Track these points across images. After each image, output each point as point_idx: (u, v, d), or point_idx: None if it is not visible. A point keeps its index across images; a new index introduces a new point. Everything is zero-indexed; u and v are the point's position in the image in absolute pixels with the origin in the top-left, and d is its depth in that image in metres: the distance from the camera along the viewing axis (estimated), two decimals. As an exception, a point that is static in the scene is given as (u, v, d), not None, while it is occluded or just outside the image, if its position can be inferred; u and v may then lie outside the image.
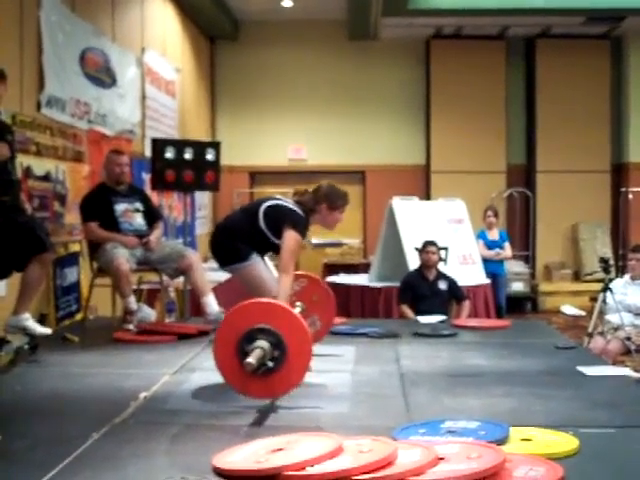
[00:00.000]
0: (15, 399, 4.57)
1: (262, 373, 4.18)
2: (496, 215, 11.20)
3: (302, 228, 5.21)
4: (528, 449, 3.39)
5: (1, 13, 6.61)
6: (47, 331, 5.78)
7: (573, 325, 11.76)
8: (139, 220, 7.11)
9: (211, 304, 6.77)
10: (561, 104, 14.36)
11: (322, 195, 5.35)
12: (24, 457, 3.53)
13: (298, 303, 5.54)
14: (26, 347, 5.59)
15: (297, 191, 5.43)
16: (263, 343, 4.18)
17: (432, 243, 8.54)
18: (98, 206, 6.95)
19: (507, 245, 11.08)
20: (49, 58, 7.37)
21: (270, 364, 4.19)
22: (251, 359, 4.07)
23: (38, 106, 7.15)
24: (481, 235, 10.98)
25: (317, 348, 5.88)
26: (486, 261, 10.59)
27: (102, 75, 8.70)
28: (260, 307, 4.41)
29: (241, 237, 5.24)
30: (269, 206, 5.30)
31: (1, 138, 5.37)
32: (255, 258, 5.21)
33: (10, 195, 5.46)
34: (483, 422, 3.74)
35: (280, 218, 5.20)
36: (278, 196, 5.48)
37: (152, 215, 7.29)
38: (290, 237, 5.10)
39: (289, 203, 5.33)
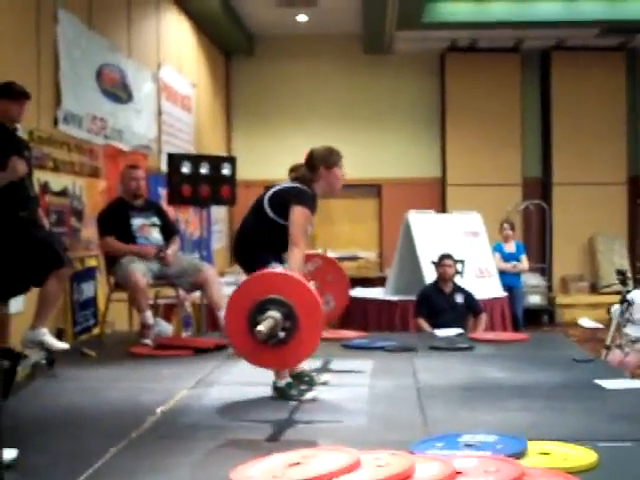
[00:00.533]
0: (33, 414, 4.59)
1: (273, 344, 4.17)
2: (512, 228, 11.18)
3: (308, 201, 5.04)
4: (546, 463, 3.37)
5: (18, 29, 6.66)
6: (64, 346, 5.79)
7: (591, 338, 11.68)
8: (155, 235, 7.13)
9: None
10: (577, 116, 14.34)
11: (315, 159, 5.19)
12: (43, 472, 3.55)
13: (312, 282, 5.56)
14: (43, 362, 5.62)
15: (292, 168, 5.33)
16: (274, 313, 4.17)
17: (448, 256, 8.53)
18: (115, 220, 6.98)
19: (524, 257, 11.05)
20: (66, 74, 7.41)
21: (281, 334, 4.18)
22: (262, 327, 4.07)
23: (55, 122, 7.19)
24: (497, 248, 10.96)
25: (334, 362, 5.91)
26: (503, 274, 10.56)
27: (118, 91, 8.75)
28: (273, 278, 4.40)
29: (257, 241, 5.10)
30: (272, 193, 5.14)
31: (19, 154, 5.42)
32: (273, 265, 5.11)
33: (28, 210, 5.50)
34: (501, 436, 3.73)
35: (285, 198, 5.03)
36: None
37: (168, 230, 7.31)
38: (297, 212, 4.93)
39: (289, 183, 5.20)
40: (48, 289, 5.57)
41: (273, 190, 5.15)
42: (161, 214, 7.34)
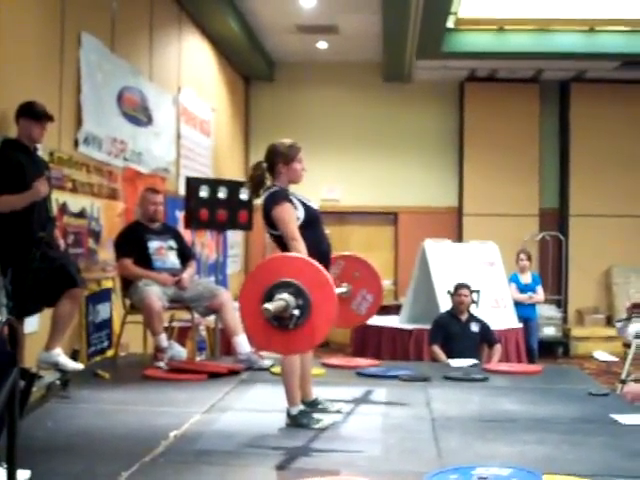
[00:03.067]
0: (46, 435, 4.58)
1: (290, 326, 4.15)
2: (529, 258, 11.14)
3: (282, 197, 5.01)
4: (561, 498, 3.35)
5: (43, 52, 6.72)
6: (79, 367, 5.79)
7: (606, 371, 11.62)
8: (172, 258, 7.15)
9: (242, 344, 6.77)
10: (595, 148, 14.32)
11: (272, 157, 5.13)
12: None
13: (343, 284, 5.54)
14: (57, 382, 5.61)
15: (251, 175, 5.18)
16: (286, 295, 4.16)
17: (465, 286, 8.51)
18: (132, 243, 7.01)
19: (539, 289, 11.01)
20: (87, 97, 7.46)
21: (296, 312, 4.16)
22: (269, 305, 4.06)
23: (75, 144, 7.23)
24: (513, 278, 10.92)
25: (347, 390, 5.88)
26: (518, 305, 10.52)
27: (139, 114, 8.80)
28: (285, 262, 4.40)
29: None
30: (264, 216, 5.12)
31: (39, 174, 5.46)
32: None
33: (46, 231, 5.52)
34: (515, 469, 3.70)
35: (267, 213, 5.01)
36: None
37: (185, 254, 7.33)
38: (277, 212, 4.92)
39: (263, 195, 5.14)
40: (61, 309, 5.58)
41: (264, 213, 5.13)
42: (178, 238, 7.36)
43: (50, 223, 5.65)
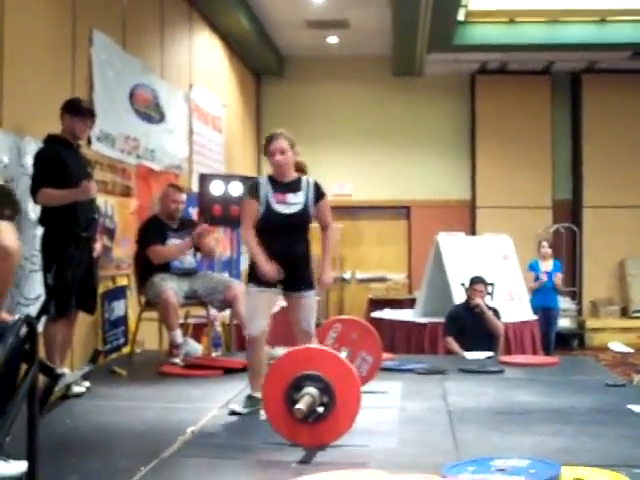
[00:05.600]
0: (65, 432, 4.61)
1: (311, 420, 4.18)
2: (551, 246, 11.19)
3: (247, 191, 5.37)
4: (580, 489, 3.34)
5: (54, 50, 6.73)
6: (82, 389, 5.66)
7: (621, 362, 11.59)
8: (189, 258, 7.20)
9: None
10: (608, 138, 14.25)
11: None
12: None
13: (343, 348, 5.55)
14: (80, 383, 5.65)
15: None
16: (312, 390, 4.19)
17: (480, 280, 8.49)
18: (156, 234, 7.04)
19: (558, 275, 11.04)
20: (100, 94, 7.47)
21: (320, 409, 4.19)
22: (301, 405, 4.08)
23: (89, 141, 7.24)
24: (533, 265, 10.96)
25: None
26: (539, 293, 10.59)
27: (151, 111, 8.81)
28: (308, 354, 4.43)
29: None
30: None
31: (83, 171, 5.51)
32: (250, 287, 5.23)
33: (89, 232, 5.53)
34: (534, 460, 3.69)
35: None
36: None
37: None
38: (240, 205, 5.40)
39: None
40: (63, 335, 5.57)
41: None
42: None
43: (93, 224, 5.67)
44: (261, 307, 5.15)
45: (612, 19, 12.34)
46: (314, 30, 12.79)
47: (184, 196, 7.41)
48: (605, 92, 14.27)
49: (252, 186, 5.26)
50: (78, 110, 5.63)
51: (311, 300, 5.27)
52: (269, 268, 5.04)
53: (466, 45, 12.66)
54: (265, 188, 5.17)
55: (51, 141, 5.57)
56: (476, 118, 14.62)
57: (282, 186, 5.19)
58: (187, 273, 7.10)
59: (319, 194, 5.26)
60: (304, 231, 5.26)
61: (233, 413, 4.96)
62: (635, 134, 14.25)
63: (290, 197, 5.16)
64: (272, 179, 5.23)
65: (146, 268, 7.05)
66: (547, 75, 14.53)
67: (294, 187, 5.21)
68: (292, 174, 5.26)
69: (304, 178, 5.30)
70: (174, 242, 7.12)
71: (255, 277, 5.13)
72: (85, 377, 5.70)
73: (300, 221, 5.20)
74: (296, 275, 5.18)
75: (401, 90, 14.59)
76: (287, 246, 5.14)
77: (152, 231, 7.11)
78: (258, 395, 4.88)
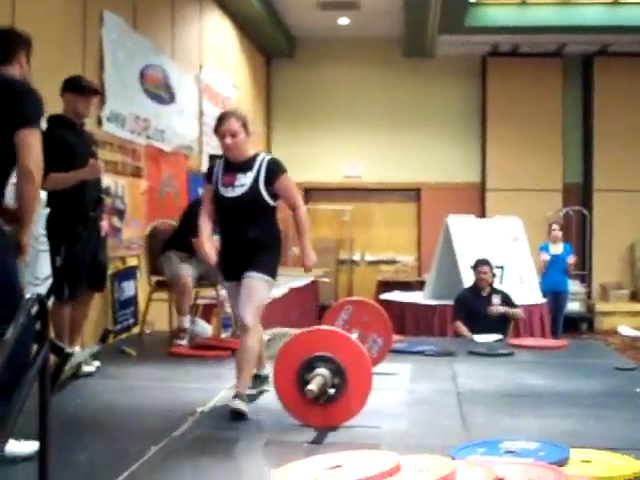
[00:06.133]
0: (75, 411, 4.63)
1: (322, 401, 4.20)
2: (562, 229, 11.18)
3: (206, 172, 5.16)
4: (589, 471, 3.35)
5: (65, 31, 6.73)
6: (92, 369, 5.71)
7: (630, 346, 11.59)
8: None
9: None
10: (619, 122, 14.18)
11: None
12: (84, 469, 3.58)
13: (354, 330, 5.55)
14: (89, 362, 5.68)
15: None
16: (323, 371, 4.20)
17: (485, 262, 8.47)
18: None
19: (571, 257, 11.05)
20: (110, 75, 7.47)
21: (331, 391, 4.20)
22: (312, 386, 4.09)
23: (99, 122, 7.25)
24: (544, 248, 10.96)
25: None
26: (549, 276, 10.59)
27: (161, 91, 8.80)
28: (320, 335, 4.44)
29: None
30: None
31: (87, 149, 5.47)
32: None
33: (96, 212, 5.52)
34: (543, 443, 3.70)
35: None
36: None
37: None
38: None
39: None
40: (78, 314, 5.56)
41: None
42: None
43: (101, 203, 5.64)
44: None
45: (625, 1, 12.27)
46: (325, 11, 12.75)
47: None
48: (617, 75, 14.19)
49: (208, 168, 5.10)
50: (80, 88, 5.46)
51: (252, 281, 4.70)
52: (207, 252, 4.81)
53: (478, 27, 12.62)
54: (217, 170, 4.90)
55: (53, 122, 5.35)
56: (487, 100, 14.57)
57: (233, 167, 4.84)
58: None
59: (272, 172, 4.79)
60: (258, 214, 4.77)
61: (237, 414, 4.43)
62: (647, 117, 14.19)
63: (239, 178, 4.78)
64: (226, 160, 4.90)
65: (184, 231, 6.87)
66: (559, 58, 14.46)
67: (245, 167, 4.81)
68: (246, 154, 4.87)
69: (260, 156, 4.90)
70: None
71: (222, 269, 4.95)
72: (95, 356, 5.73)
73: (249, 204, 4.75)
74: (247, 261, 4.72)
75: (412, 72, 14.55)
76: (236, 231, 4.78)
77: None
78: (265, 372, 4.94)
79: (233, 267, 4.81)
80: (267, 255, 4.78)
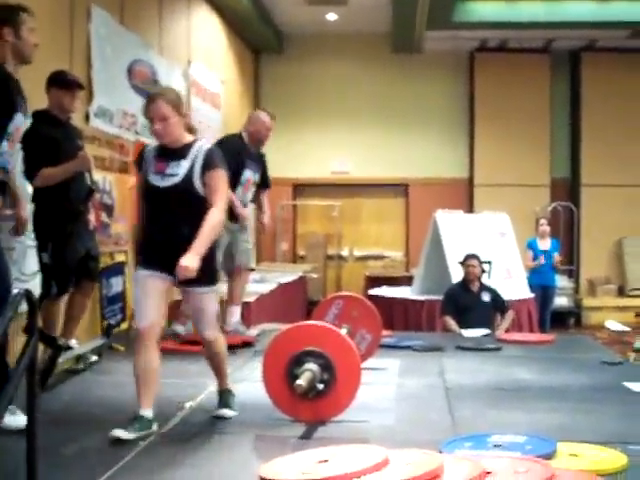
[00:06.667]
0: (64, 405, 4.64)
1: (311, 396, 4.20)
2: (550, 224, 11.21)
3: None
4: (576, 465, 3.37)
5: (52, 26, 6.69)
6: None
7: (618, 340, 11.62)
8: (249, 195, 7.22)
9: (235, 314, 6.83)
10: (606, 117, 14.22)
11: None
12: (74, 463, 3.59)
13: (343, 325, 5.55)
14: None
15: None
16: (312, 366, 4.20)
17: (474, 256, 8.50)
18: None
19: (555, 255, 11.06)
20: (98, 70, 7.44)
21: (320, 386, 4.21)
22: (301, 381, 4.10)
23: (87, 117, 7.23)
24: (531, 243, 10.97)
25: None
26: (537, 271, 10.62)
27: (149, 87, 8.78)
28: (308, 330, 4.45)
29: None
30: None
31: (72, 144, 5.40)
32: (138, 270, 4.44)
33: (85, 204, 5.49)
34: (530, 437, 3.73)
35: None
36: None
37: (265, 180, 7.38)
38: None
39: None
40: (76, 304, 5.55)
41: None
42: (264, 167, 7.36)
43: (89, 197, 5.59)
44: (150, 294, 4.26)
45: (612, -3, 12.31)
46: (313, 7, 12.72)
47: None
48: (604, 71, 14.23)
49: (139, 154, 4.53)
50: (65, 82, 5.39)
51: (203, 298, 4.37)
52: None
53: (466, 22, 12.63)
54: (149, 155, 4.40)
55: (38, 118, 5.23)
56: (475, 96, 14.58)
57: (166, 154, 4.33)
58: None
59: (207, 165, 4.25)
60: (193, 209, 4.22)
61: (117, 440, 3.91)
62: (634, 113, 14.23)
63: (171, 167, 4.27)
64: (160, 145, 4.39)
65: None
66: (546, 53, 14.48)
67: (180, 155, 4.29)
68: (182, 139, 4.34)
69: (198, 144, 4.36)
70: (247, 175, 7.02)
71: (143, 259, 4.38)
72: (95, 351, 5.76)
73: (182, 196, 4.24)
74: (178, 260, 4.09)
75: (400, 67, 14.54)
76: (167, 227, 4.28)
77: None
78: (148, 414, 4.11)
79: (158, 260, 4.26)
80: (205, 261, 4.17)
